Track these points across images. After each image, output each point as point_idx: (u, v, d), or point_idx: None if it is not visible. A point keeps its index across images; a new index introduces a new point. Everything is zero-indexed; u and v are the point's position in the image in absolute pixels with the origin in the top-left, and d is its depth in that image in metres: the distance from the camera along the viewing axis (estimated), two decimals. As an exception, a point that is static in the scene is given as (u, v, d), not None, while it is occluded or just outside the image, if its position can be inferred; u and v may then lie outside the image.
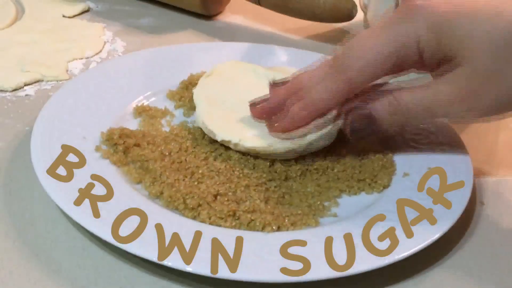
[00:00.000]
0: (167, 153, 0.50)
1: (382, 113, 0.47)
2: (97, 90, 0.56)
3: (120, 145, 0.50)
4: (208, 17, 0.75)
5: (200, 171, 0.48)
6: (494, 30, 0.44)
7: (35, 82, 0.62)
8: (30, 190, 0.49)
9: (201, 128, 0.52)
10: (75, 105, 0.54)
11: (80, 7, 0.74)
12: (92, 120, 0.52)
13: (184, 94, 0.57)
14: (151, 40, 0.70)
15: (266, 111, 0.51)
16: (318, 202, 0.48)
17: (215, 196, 0.46)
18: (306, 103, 0.48)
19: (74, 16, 0.73)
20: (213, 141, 0.51)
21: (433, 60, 0.46)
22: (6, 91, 0.60)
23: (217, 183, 0.47)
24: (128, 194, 0.46)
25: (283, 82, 0.51)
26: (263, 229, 0.45)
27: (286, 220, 0.46)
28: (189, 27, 0.73)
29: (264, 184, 0.48)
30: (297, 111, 0.49)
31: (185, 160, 0.49)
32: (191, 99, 0.55)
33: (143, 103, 0.56)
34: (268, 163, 0.50)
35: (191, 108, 0.56)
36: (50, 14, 0.72)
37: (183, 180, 0.47)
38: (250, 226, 0.45)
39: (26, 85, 0.61)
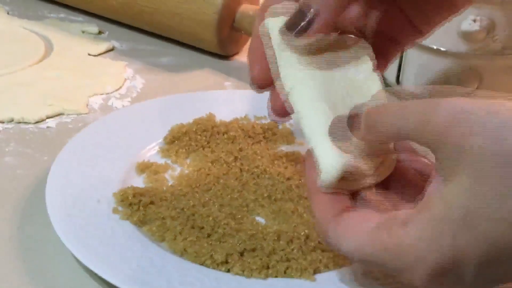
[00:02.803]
0: (180, 210, 0.52)
1: None
2: (99, 148, 0.57)
3: (135, 205, 0.52)
4: (226, 57, 0.79)
5: (220, 231, 0.50)
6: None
7: (56, 115, 0.66)
8: (45, 218, 0.51)
9: (200, 175, 0.55)
10: (79, 165, 0.55)
11: (104, 46, 0.78)
12: (100, 180, 0.54)
13: (174, 150, 0.59)
14: (169, 78, 0.75)
15: None
16: None
17: (241, 253, 0.48)
18: None
19: (99, 54, 0.77)
20: (217, 189, 0.54)
21: None
22: (29, 123, 0.65)
23: (240, 241, 0.49)
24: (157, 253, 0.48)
25: None
26: (301, 275, 0.47)
27: (320, 264, 0.48)
28: (207, 66, 0.77)
29: (297, 238, 0.49)
30: None
31: (200, 216, 0.51)
32: (179, 153, 0.59)
33: (143, 160, 0.58)
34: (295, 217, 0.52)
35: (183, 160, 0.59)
36: (76, 52, 0.77)
37: (205, 238, 0.49)
38: (287, 273, 0.47)
39: (48, 117, 0.66)
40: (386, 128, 0.40)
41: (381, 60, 0.48)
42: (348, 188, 0.43)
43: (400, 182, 0.45)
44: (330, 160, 0.42)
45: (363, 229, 0.40)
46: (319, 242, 0.49)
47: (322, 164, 0.42)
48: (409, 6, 0.49)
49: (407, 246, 0.38)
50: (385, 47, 0.50)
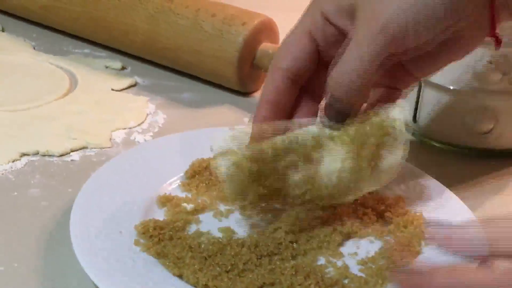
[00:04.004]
0: (198, 247, 0.52)
1: None
2: (122, 181, 0.59)
3: (155, 237, 0.53)
4: (245, 93, 0.80)
5: (240, 265, 0.51)
6: None
7: (80, 149, 0.68)
8: (69, 249, 0.52)
9: (221, 214, 0.57)
10: (103, 198, 0.57)
11: (127, 81, 0.80)
12: (122, 213, 0.56)
13: (195, 184, 0.60)
14: (190, 113, 0.76)
15: None
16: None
17: (261, 287, 0.49)
18: None
19: (122, 89, 0.79)
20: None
21: None
22: (54, 155, 0.66)
23: (259, 276, 0.50)
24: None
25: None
26: None
27: None
28: (227, 102, 0.79)
29: (314, 273, 0.51)
30: None
31: (220, 250, 0.52)
32: (199, 187, 0.60)
33: (165, 194, 0.59)
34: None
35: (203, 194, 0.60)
36: (100, 88, 0.79)
37: (226, 272, 0.50)
38: None
39: (72, 151, 0.67)
40: None
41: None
42: None
43: None
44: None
45: None
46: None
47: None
48: (410, 63, 0.55)
49: None
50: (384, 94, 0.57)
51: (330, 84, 0.52)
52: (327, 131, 0.53)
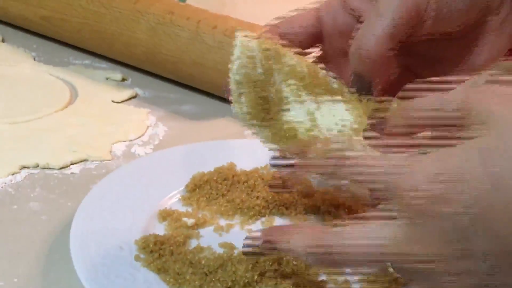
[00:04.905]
0: (199, 262, 0.52)
1: None
2: (122, 195, 0.59)
3: (156, 252, 0.53)
4: (246, 105, 0.80)
5: (241, 283, 0.50)
6: None
7: (80, 162, 0.67)
8: (69, 264, 0.52)
9: (222, 228, 0.57)
10: (103, 212, 0.56)
11: (128, 93, 0.80)
12: (123, 227, 0.55)
13: (195, 198, 0.60)
14: (191, 125, 0.76)
15: None
16: None
17: None
18: None
19: (122, 101, 0.79)
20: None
21: None
22: (54, 168, 0.66)
23: None
24: None
25: None
26: None
27: None
28: (228, 115, 0.78)
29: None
30: None
31: (220, 269, 0.51)
32: (200, 201, 0.60)
33: (165, 208, 0.59)
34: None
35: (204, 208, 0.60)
36: (100, 99, 0.79)
37: None
38: None
39: (72, 163, 0.67)
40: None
41: None
42: None
43: None
44: None
45: None
46: None
47: None
48: (425, 73, 0.54)
49: None
50: None
51: (352, 51, 0.51)
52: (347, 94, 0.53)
